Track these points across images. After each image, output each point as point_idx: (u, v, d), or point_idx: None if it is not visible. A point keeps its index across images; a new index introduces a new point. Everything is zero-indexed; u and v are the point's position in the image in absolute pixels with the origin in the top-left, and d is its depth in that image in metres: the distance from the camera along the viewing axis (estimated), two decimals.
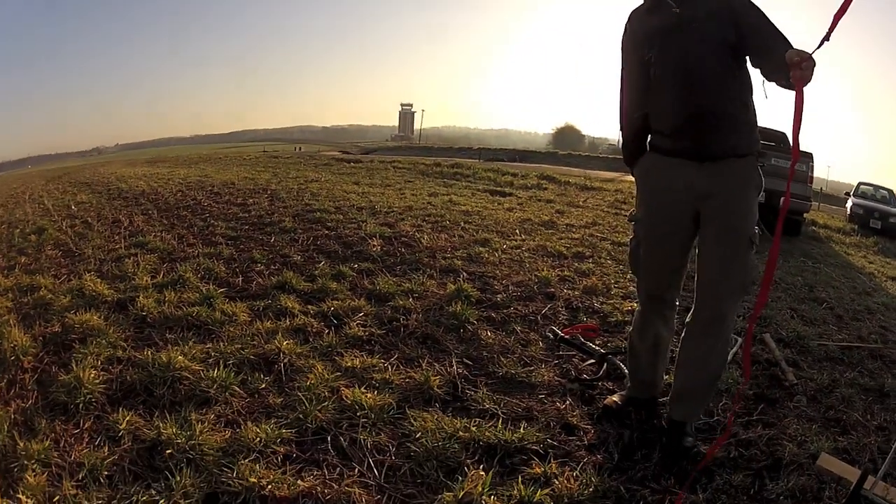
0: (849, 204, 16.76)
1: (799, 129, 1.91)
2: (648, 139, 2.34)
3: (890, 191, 17.54)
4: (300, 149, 46.13)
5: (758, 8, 2.11)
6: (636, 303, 2.59)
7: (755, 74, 2.17)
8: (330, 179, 11.28)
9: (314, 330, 3.10)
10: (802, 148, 9.19)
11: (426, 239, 5.30)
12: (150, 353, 2.65)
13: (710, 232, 2.18)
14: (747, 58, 2.14)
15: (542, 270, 4.48)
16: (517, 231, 6.19)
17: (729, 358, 3.04)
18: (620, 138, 2.46)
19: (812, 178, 10.34)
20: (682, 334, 2.31)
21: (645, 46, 2.23)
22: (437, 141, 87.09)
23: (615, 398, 2.51)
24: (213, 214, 6.72)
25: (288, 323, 3.16)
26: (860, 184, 18.10)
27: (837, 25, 1.84)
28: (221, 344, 2.84)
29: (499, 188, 11.27)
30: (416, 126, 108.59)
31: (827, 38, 1.85)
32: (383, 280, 3.96)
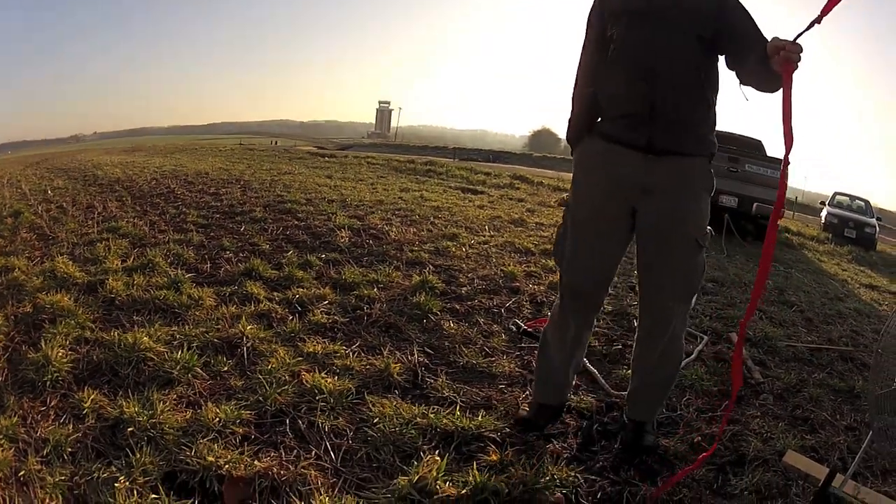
0: (823, 213, 16.41)
1: (789, 117, 1.71)
2: (598, 121, 2.10)
3: (866, 201, 17.28)
4: (276, 142, 45.76)
5: (746, 9, 1.95)
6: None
7: (727, 76, 2.01)
8: (303, 172, 11.23)
9: (278, 316, 3.13)
10: (774, 155, 9.34)
11: (394, 232, 5.34)
12: (116, 334, 2.68)
13: (652, 233, 2.01)
14: (721, 57, 1.99)
15: (509, 265, 4.53)
16: (486, 227, 6.21)
17: (693, 356, 3.10)
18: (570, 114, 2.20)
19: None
20: (635, 338, 2.23)
21: (609, 22, 2.04)
22: (413, 139, 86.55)
23: (525, 407, 2.39)
24: (186, 202, 6.70)
25: (253, 308, 3.19)
26: (836, 193, 17.76)
27: (831, 11, 1.68)
28: (187, 327, 2.87)
29: (471, 186, 11.24)
30: (393, 124, 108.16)
31: (818, 20, 1.70)
32: (349, 270, 3.99)
